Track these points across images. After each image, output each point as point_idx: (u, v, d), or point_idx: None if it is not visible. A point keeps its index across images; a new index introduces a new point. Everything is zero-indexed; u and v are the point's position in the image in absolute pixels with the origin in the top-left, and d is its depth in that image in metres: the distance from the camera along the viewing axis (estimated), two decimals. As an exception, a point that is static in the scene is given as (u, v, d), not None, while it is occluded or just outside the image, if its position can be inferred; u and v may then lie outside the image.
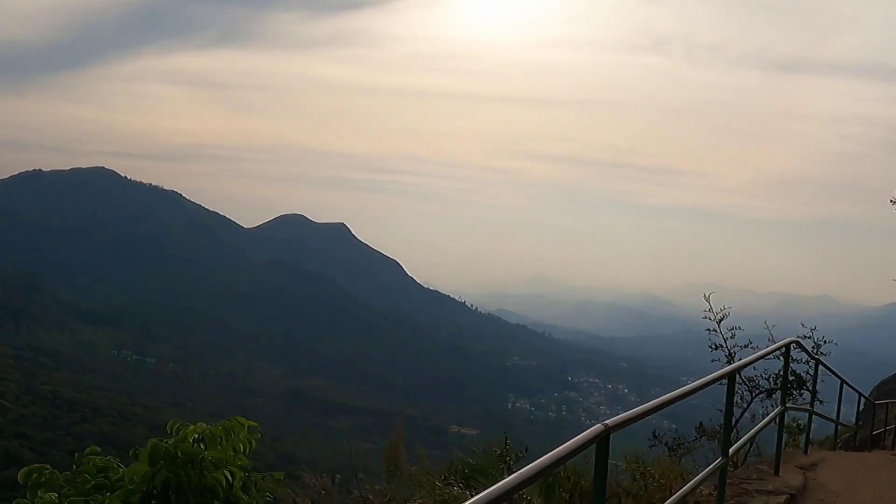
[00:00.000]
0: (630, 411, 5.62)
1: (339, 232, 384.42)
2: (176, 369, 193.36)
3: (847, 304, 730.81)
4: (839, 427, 19.58)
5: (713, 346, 17.04)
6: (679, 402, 6.36)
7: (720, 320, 16.82)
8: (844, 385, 18.71)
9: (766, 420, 11.57)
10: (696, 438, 16.91)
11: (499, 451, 13.19)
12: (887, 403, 23.14)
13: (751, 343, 16.73)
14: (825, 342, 17.60)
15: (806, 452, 15.27)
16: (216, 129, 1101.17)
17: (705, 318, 16.99)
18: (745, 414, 17.05)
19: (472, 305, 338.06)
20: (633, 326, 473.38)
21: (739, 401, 16.53)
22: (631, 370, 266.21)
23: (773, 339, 15.59)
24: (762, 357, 11.74)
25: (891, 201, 18.43)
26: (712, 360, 16.76)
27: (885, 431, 22.60)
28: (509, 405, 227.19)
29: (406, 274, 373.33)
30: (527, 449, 13.19)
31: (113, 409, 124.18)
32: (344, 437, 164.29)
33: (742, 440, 10.63)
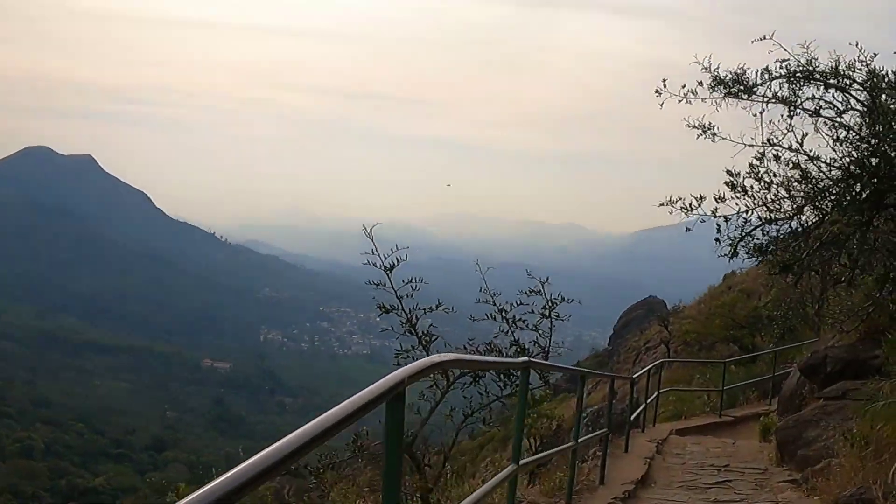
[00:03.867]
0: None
1: (87, 164, 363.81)
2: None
3: (596, 232, 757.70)
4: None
5: (384, 308, 11.56)
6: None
7: (391, 268, 11.18)
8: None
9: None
10: (354, 455, 11.65)
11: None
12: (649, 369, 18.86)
13: (440, 304, 11.86)
14: (563, 299, 12.99)
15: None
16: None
17: (367, 263, 11.39)
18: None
19: (222, 237, 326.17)
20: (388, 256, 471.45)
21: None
22: (381, 297, 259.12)
23: (493, 301, 12.73)
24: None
25: (656, 91, 14.46)
26: (382, 329, 12.13)
27: (645, 409, 18.51)
28: (262, 337, 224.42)
29: (154, 206, 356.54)
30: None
31: None
32: (98, 377, 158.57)
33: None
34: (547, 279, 12.77)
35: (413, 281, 11.45)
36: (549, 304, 12.61)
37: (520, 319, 12.72)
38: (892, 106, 13.14)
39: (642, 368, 56.33)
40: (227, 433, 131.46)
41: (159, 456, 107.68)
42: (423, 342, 11.71)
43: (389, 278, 11.30)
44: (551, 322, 12.62)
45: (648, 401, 17.98)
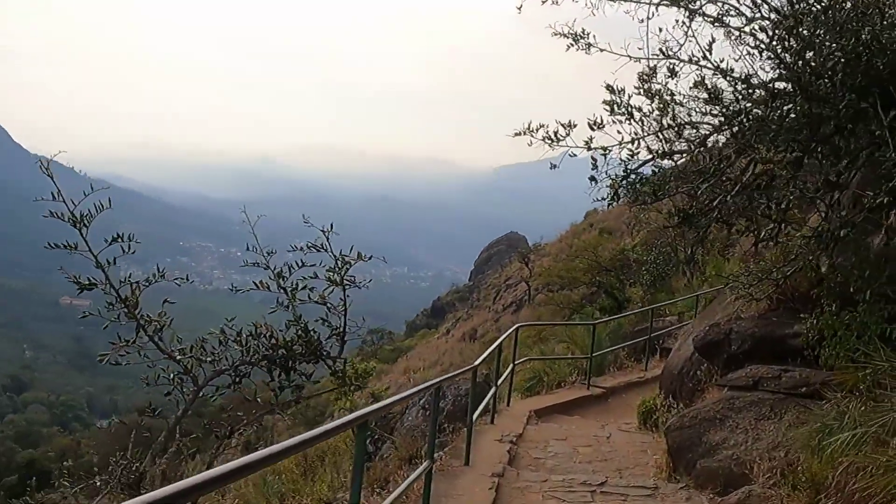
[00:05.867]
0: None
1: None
2: None
3: (460, 166, 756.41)
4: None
5: (80, 284, 8.42)
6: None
7: (81, 221, 7.82)
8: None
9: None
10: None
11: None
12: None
13: (162, 273, 8.76)
14: (360, 256, 9.05)
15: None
16: None
17: (50, 215, 7.96)
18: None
19: (80, 171, 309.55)
20: (247, 188, 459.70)
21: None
22: (244, 232, 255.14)
23: (266, 262, 9.06)
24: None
25: (516, 8, 10.75)
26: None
27: (496, 392, 14.21)
28: (121, 273, 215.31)
29: (13, 141, 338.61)
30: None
31: None
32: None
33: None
34: (331, 227, 8.66)
35: (120, 238, 7.38)
36: (339, 264, 8.51)
37: (304, 287, 8.64)
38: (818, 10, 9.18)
39: (503, 307, 51.94)
40: (87, 371, 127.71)
41: (18, 398, 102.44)
42: (148, 331, 8.28)
43: (83, 237, 7.21)
44: (345, 291, 8.54)
45: (500, 381, 13.87)
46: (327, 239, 8.58)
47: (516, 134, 10.40)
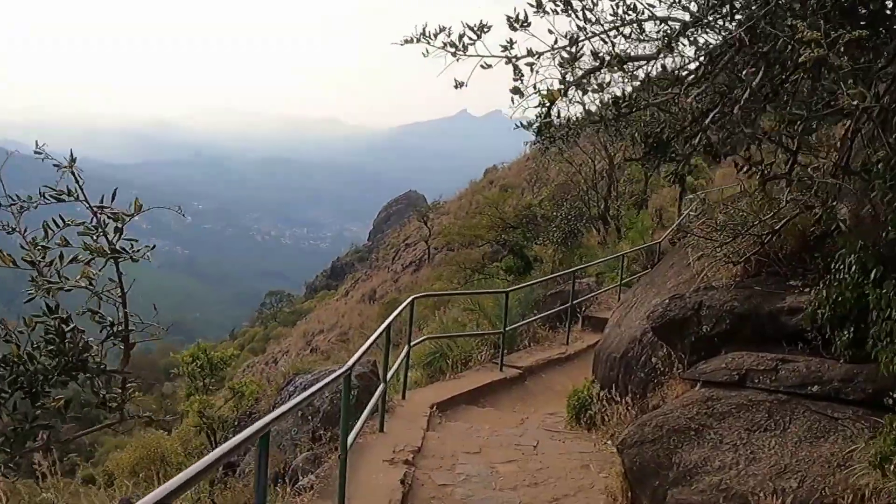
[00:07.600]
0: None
1: None
2: None
3: (358, 126, 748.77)
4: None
5: None
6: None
7: None
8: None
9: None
10: None
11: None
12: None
13: None
14: (141, 208, 5.59)
15: None
16: None
17: None
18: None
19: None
20: (143, 152, 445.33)
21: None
22: (141, 196, 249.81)
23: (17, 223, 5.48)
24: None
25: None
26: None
27: (385, 389, 10.58)
28: (18, 244, 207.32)
29: None
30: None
31: None
32: None
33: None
34: (73, 159, 5.22)
35: None
36: (102, 222, 5.13)
37: (73, 259, 5.27)
38: None
39: (402, 267, 48.59)
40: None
41: None
42: None
43: None
44: (117, 265, 5.31)
45: (391, 373, 10.36)
46: (77, 181, 5.15)
47: (406, 41, 7.02)
